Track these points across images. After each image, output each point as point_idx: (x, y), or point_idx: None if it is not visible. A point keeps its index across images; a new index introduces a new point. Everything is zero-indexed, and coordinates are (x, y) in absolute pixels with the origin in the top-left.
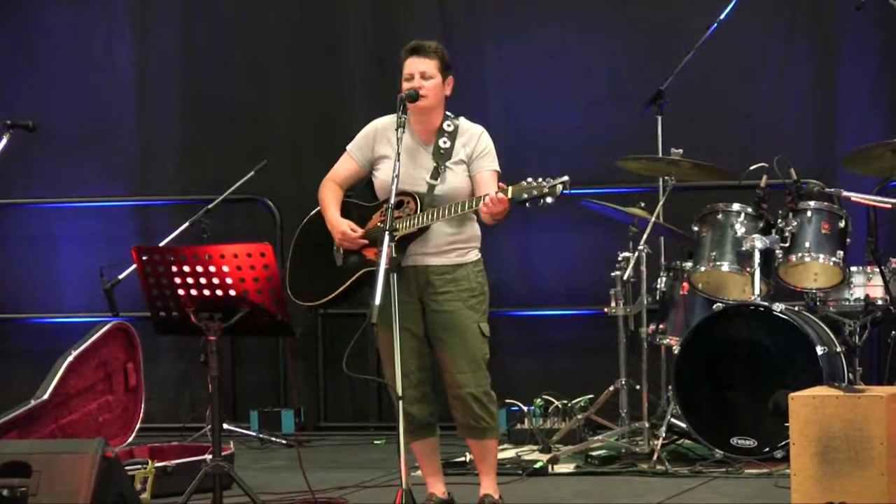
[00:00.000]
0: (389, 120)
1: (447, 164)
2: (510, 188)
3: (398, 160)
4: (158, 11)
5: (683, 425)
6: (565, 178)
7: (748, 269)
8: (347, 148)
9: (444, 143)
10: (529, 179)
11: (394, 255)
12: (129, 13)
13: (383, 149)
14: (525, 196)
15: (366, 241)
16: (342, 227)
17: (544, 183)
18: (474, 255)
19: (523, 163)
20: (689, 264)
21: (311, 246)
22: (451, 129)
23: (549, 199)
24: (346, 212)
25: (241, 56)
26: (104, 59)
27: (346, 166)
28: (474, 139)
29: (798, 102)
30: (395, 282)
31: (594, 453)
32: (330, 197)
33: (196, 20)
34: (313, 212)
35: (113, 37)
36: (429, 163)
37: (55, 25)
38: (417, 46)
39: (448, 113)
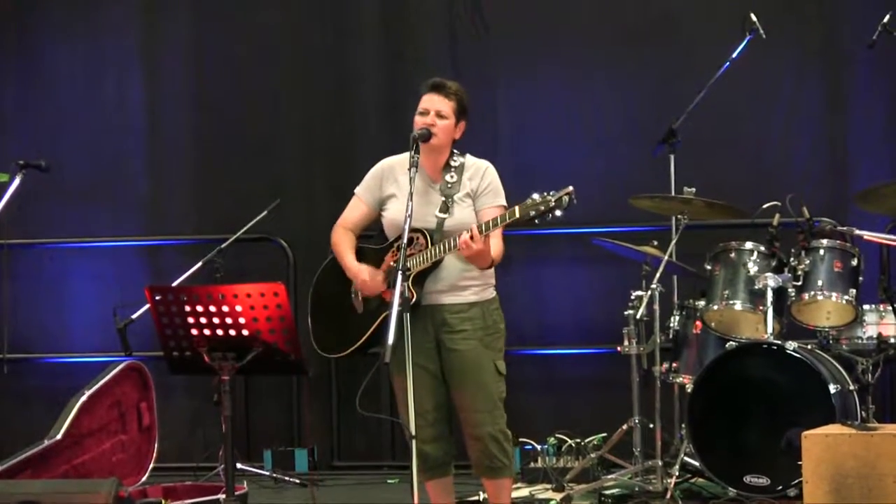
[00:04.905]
0: (396, 159)
1: (455, 197)
2: (517, 208)
3: (410, 199)
4: (169, 50)
5: (697, 463)
6: (569, 188)
7: (761, 308)
8: (356, 191)
9: (451, 177)
10: (535, 196)
11: (408, 293)
12: (139, 52)
13: (391, 188)
14: (532, 213)
15: (385, 286)
16: (363, 276)
17: (549, 196)
18: (490, 292)
19: None
20: (701, 303)
21: (328, 297)
22: (456, 164)
23: (557, 213)
24: (360, 257)
25: (253, 95)
26: (115, 98)
27: (356, 210)
28: (479, 174)
29: (809, 140)
30: (409, 321)
31: (608, 492)
32: (344, 243)
33: (207, 59)
34: (325, 262)
35: (124, 76)
36: (437, 198)
37: (66, 65)
38: (439, 84)
39: (454, 150)
